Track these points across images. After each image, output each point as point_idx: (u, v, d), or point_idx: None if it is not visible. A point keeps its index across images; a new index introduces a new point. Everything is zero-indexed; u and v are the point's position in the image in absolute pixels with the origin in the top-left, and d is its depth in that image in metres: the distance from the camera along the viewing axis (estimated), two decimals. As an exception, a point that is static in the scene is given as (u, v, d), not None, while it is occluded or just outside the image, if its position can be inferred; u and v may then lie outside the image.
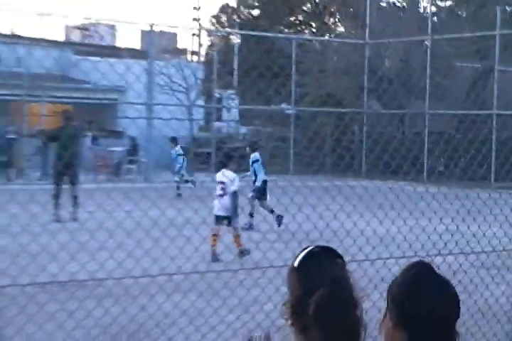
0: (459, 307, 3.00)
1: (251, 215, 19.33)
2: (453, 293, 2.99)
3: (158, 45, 39.67)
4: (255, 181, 19.76)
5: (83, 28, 51.72)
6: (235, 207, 15.39)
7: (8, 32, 39.74)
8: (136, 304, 9.95)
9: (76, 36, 50.65)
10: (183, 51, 45.33)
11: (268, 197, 17.50)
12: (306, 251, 2.94)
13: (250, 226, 18.72)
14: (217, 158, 16.87)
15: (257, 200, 19.64)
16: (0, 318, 8.60)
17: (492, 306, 8.85)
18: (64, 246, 9.70)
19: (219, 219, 15.30)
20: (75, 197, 20.10)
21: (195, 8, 51.18)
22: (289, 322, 2.87)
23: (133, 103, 37.26)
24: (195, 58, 44.08)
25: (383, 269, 8.63)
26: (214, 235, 14.99)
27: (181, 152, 30.14)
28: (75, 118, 22.45)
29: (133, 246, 9.28)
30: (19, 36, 37.68)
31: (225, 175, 15.67)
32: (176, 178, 29.00)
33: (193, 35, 44.79)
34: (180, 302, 9.35)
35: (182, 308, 9.31)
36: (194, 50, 45.01)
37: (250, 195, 19.59)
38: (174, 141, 30.09)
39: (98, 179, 32.02)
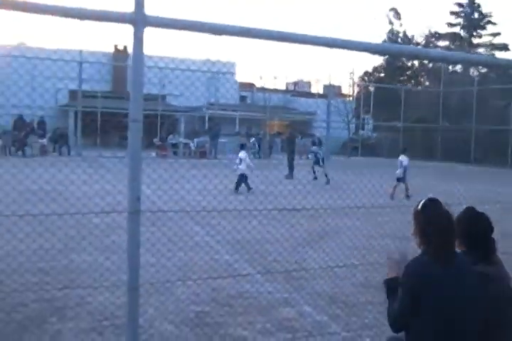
0: (492, 227, 3.00)
1: (314, 172, 18.54)
2: (488, 220, 3.01)
3: (332, 91, 39.32)
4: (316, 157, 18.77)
5: (295, 83, 51.91)
6: (404, 173, 14.87)
7: (259, 85, 40.30)
8: (320, 222, 10.07)
9: (291, 87, 50.81)
10: (345, 94, 44.66)
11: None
12: (423, 200, 2.80)
13: (315, 178, 18.12)
14: (402, 147, 16.07)
15: (316, 165, 18.67)
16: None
17: None
18: (291, 191, 9.72)
19: (398, 179, 14.87)
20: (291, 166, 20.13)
21: (351, 73, 50.75)
22: (418, 240, 2.76)
23: (319, 121, 37.33)
24: (350, 98, 43.37)
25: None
26: (395, 186, 14.56)
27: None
28: (294, 128, 22.72)
29: (335, 191, 9.20)
30: (263, 88, 38.14)
31: (404, 158, 15.16)
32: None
33: (349, 86, 44.27)
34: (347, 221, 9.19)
35: (345, 225, 9.16)
36: (350, 94, 44.40)
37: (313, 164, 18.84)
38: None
39: (302, 158, 32.14)
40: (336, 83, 47.99)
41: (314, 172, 18.71)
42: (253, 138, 31.27)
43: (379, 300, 5.30)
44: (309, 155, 19.32)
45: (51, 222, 7.41)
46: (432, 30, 53.50)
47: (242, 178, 14.76)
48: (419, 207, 2.81)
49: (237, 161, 15.19)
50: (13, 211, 6.96)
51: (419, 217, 2.79)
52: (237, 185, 14.59)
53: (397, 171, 15.04)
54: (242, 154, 15.35)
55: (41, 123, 27.98)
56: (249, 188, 14.65)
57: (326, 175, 17.99)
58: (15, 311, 4.81)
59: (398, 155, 15.71)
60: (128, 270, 3.16)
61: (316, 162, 18.81)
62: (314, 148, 19.49)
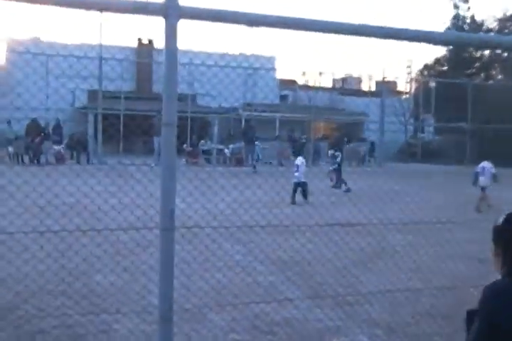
0: None
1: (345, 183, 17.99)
2: None
3: (386, 89, 39.06)
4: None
5: (343, 79, 51.83)
6: (490, 180, 14.74)
7: (302, 83, 40.43)
8: (378, 239, 9.93)
9: (339, 84, 50.71)
10: (401, 92, 44.40)
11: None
12: (503, 217, 2.67)
13: (348, 190, 17.40)
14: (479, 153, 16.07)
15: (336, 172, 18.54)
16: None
17: None
18: (344, 202, 9.59)
19: (482, 188, 14.70)
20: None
21: (408, 66, 50.31)
22: (498, 260, 2.58)
23: (371, 122, 37.11)
24: (407, 96, 43.05)
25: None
26: (485, 197, 14.46)
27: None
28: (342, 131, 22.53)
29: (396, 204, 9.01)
30: (307, 85, 38.19)
31: (488, 164, 14.95)
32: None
33: (406, 82, 44.01)
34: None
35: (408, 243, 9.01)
36: (407, 91, 44.08)
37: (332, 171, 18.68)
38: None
39: (352, 165, 31.73)
40: (390, 78, 47.44)
41: (345, 184, 18.02)
42: (257, 142, 28.62)
43: (447, 331, 5.21)
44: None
45: (75, 239, 7.54)
46: (508, 13, 52.44)
47: (298, 187, 15.07)
48: (499, 223, 2.71)
49: (295, 168, 15.51)
50: (34, 227, 7.12)
51: (500, 233, 2.70)
52: (303, 194, 14.98)
53: (481, 179, 14.83)
54: (299, 161, 15.69)
55: (57, 127, 27.85)
56: (293, 200, 14.75)
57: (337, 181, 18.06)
58: (33, 339, 4.90)
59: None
60: (159, 296, 3.16)
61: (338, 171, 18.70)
62: (331, 152, 19.38)
